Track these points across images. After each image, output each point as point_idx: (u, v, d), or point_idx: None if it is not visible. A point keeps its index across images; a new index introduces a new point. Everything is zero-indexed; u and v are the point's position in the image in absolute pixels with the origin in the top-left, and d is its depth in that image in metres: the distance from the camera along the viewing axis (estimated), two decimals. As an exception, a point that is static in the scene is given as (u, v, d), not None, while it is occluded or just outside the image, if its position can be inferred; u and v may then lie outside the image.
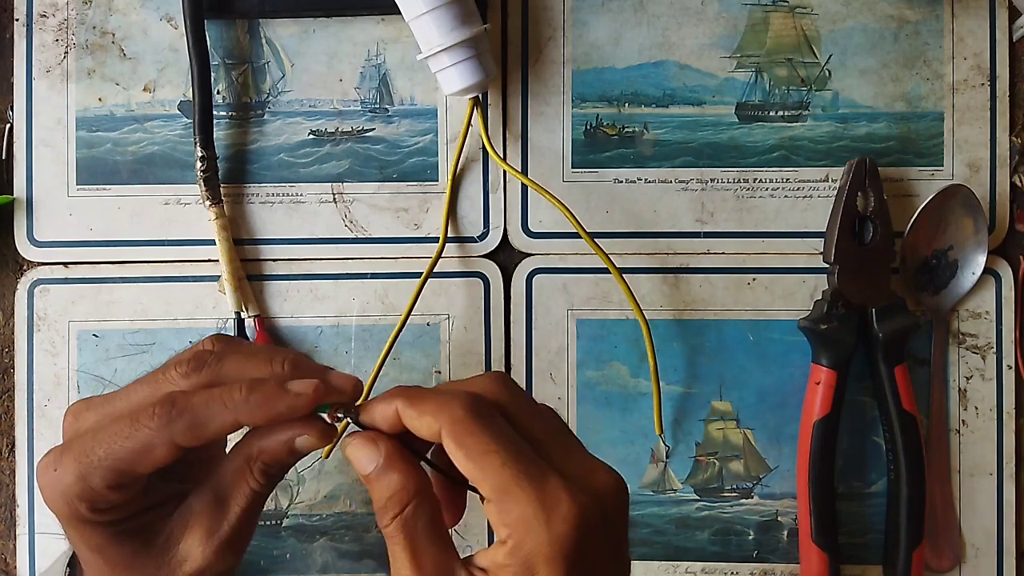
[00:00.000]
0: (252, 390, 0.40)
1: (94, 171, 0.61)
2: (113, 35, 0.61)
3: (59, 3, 0.61)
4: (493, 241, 0.61)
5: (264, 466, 0.42)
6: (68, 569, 0.47)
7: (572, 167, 0.61)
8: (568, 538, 0.37)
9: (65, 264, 0.62)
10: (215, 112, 0.60)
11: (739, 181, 0.61)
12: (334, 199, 0.61)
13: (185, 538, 0.42)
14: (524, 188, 0.61)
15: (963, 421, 0.61)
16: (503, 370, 0.61)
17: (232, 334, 0.60)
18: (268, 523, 0.62)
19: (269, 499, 0.59)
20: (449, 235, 0.61)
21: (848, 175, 0.59)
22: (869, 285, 0.59)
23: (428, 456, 0.42)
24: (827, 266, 0.60)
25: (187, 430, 0.39)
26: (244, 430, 0.42)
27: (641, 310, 0.59)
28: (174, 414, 0.39)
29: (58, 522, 0.41)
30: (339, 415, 0.41)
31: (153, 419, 0.39)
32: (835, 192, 0.60)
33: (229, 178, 0.61)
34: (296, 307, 0.61)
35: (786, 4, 0.61)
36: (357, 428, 0.41)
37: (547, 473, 0.38)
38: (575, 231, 0.58)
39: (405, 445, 0.40)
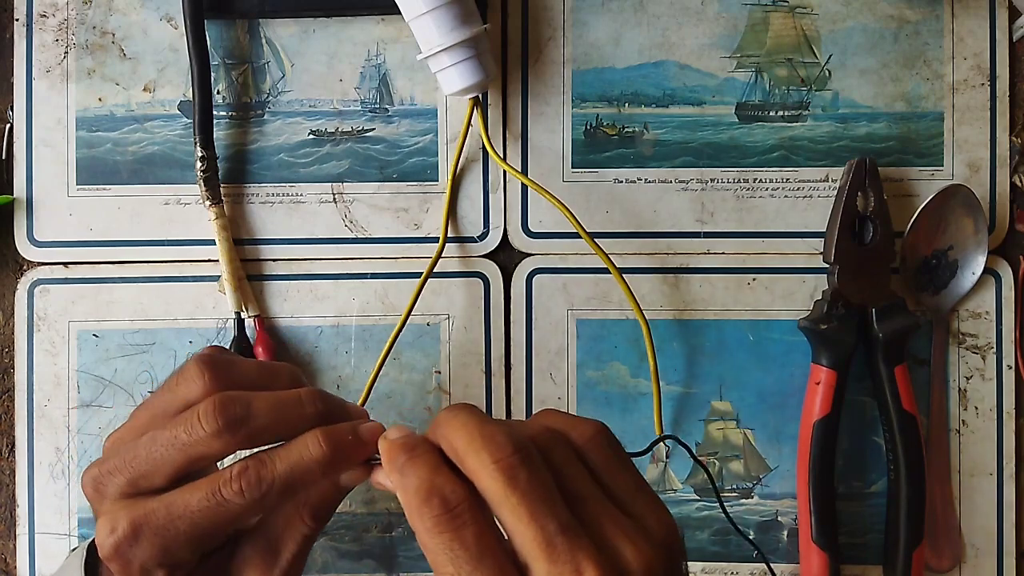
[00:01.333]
0: (332, 447, 0.42)
1: (94, 171, 0.62)
2: (113, 35, 0.62)
3: (59, 3, 0.62)
4: (493, 241, 0.62)
5: (313, 509, 0.44)
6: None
7: (572, 167, 0.62)
8: None
9: (65, 264, 0.62)
10: (215, 112, 0.61)
11: (739, 181, 0.62)
12: (334, 199, 0.62)
13: None
14: (524, 188, 0.62)
15: (963, 421, 0.62)
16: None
17: (233, 334, 0.61)
18: (268, 523, 0.62)
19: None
20: (449, 235, 0.62)
21: (848, 175, 0.59)
22: (869, 285, 0.59)
23: None
24: (827, 266, 0.60)
25: (279, 496, 0.41)
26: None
27: (641, 310, 0.59)
28: (264, 488, 0.41)
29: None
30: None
31: (241, 495, 0.41)
32: (835, 192, 0.61)
33: (229, 178, 0.62)
34: (296, 307, 0.62)
35: (786, 4, 0.62)
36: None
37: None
38: (575, 231, 0.58)
39: None
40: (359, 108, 0.62)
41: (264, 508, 0.42)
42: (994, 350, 0.62)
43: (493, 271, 0.62)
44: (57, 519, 0.62)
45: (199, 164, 0.60)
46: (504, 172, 0.62)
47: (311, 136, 0.62)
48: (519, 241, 0.62)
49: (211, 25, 0.61)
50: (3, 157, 0.62)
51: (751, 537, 0.62)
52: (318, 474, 0.42)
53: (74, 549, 0.49)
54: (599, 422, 0.40)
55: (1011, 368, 0.62)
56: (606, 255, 0.59)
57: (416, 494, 0.37)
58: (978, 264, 0.61)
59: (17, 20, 0.62)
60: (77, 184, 0.62)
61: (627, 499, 0.38)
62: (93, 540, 0.48)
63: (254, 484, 0.41)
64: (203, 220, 0.61)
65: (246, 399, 0.42)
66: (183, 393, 0.43)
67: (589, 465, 0.39)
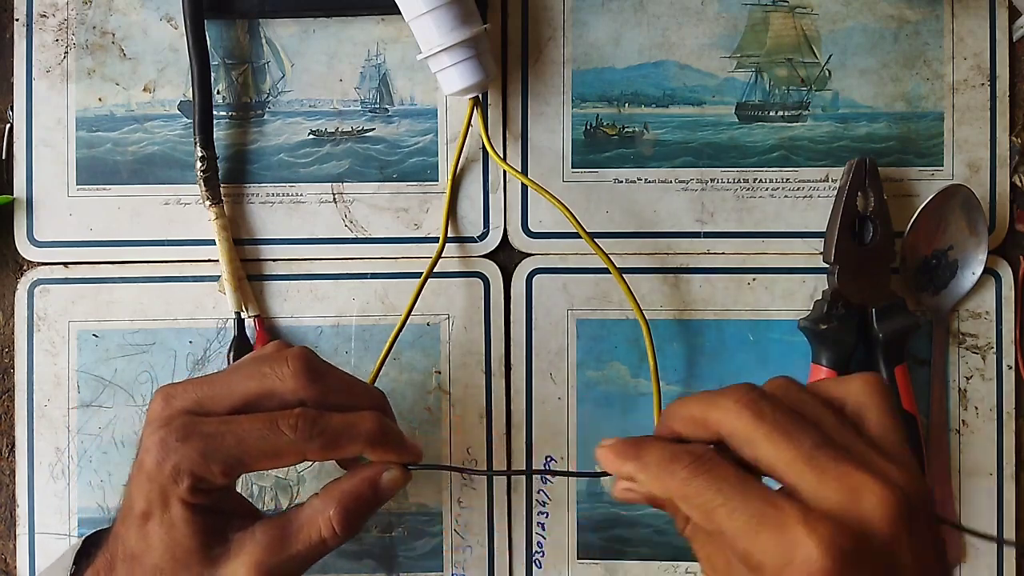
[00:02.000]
0: (381, 427, 0.47)
1: (94, 171, 0.62)
2: (113, 35, 0.62)
3: (59, 3, 0.62)
4: (493, 241, 0.62)
5: (342, 511, 0.45)
6: (73, 567, 0.47)
7: (572, 167, 0.62)
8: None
9: (65, 264, 0.62)
10: (215, 112, 0.61)
11: (739, 181, 0.62)
12: (334, 199, 0.62)
13: (236, 559, 0.44)
14: (524, 188, 0.62)
15: (963, 421, 0.62)
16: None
17: (233, 334, 0.61)
18: (268, 523, 0.62)
19: (269, 499, 0.61)
20: (449, 235, 0.62)
21: (848, 175, 0.60)
22: (869, 285, 0.60)
23: None
24: (827, 266, 0.61)
25: (320, 449, 0.45)
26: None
27: (641, 310, 0.59)
28: (315, 432, 0.44)
29: (147, 487, 0.44)
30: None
31: (295, 430, 0.44)
32: (835, 192, 0.61)
33: (229, 178, 0.62)
34: (296, 307, 0.62)
35: (786, 4, 0.62)
36: None
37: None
38: (575, 231, 0.59)
39: None
40: (359, 108, 0.62)
41: (305, 453, 0.44)
42: (994, 350, 0.62)
43: (493, 271, 0.62)
44: (57, 519, 0.62)
45: (199, 164, 0.60)
46: (504, 172, 0.62)
47: (311, 136, 0.62)
48: (519, 241, 0.62)
49: (211, 25, 0.61)
50: (3, 157, 0.63)
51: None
52: (364, 443, 0.46)
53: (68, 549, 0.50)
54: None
55: (1011, 368, 0.62)
56: (606, 255, 0.59)
57: (661, 459, 0.39)
58: (978, 264, 0.61)
59: (17, 20, 0.62)
60: (77, 184, 0.62)
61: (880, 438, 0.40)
62: (86, 536, 0.49)
63: (307, 426, 0.44)
64: (203, 220, 0.61)
65: (317, 410, 0.46)
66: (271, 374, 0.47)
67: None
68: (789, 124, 0.62)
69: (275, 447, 0.44)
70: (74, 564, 0.48)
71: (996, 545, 0.62)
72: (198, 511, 0.44)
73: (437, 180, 0.62)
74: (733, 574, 0.39)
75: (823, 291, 0.61)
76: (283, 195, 0.62)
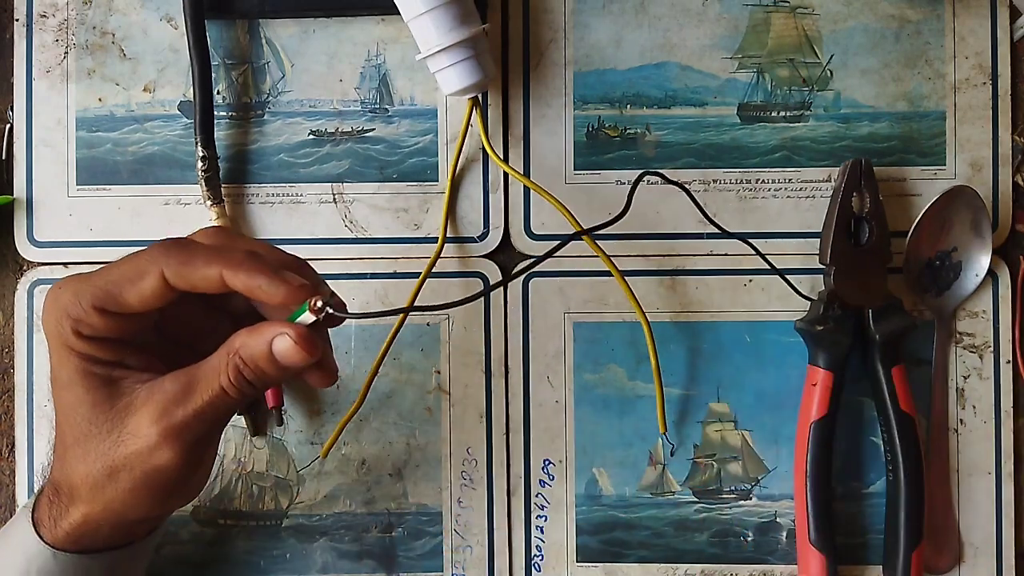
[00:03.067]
0: (248, 258, 0.44)
1: (94, 171, 0.63)
2: (113, 35, 0.63)
3: (59, 3, 0.63)
4: (493, 241, 0.63)
5: (240, 363, 0.44)
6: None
7: (574, 169, 0.63)
8: None
9: (65, 264, 0.63)
10: (215, 112, 0.62)
11: (741, 182, 0.63)
12: (334, 199, 0.63)
13: (141, 410, 0.44)
14: (527, 190, 0.63)
15: (961, 420, 0.63)
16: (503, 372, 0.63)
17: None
18: (268, 523, 0.63)
19: (269, 499, 0.62)
20: (449, 235, 0.63)
21: (843, 176, 0.60)
22: (865, 286, 0.60)
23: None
24: (823, 267, 0.61)
25: (178, 264, 0.43)
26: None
27: (643, 311, 0.60)
28: (174, 249, 0.44)
29: (50, 351, 0.45)
30: (319, 306, 0.43)
31: (152, 250, 0.44)
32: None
33: (229, 178, 0.63)
34: (296, 307, 0.63)
35: (787, 4, 0.63)
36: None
37: None
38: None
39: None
40: (359, 108, 0.63)
41: (164, 283, 0.43)
42: (992, 349, 0.63)
43: (493, 271, 0.63)
44: (59, 518, 0.63)
45: (200, 164, 0.61)
46: (504, 173, 0.63)
47: (311, 136, 0.63)
48: (522, 243, 0.63)
49: (211, 25, 0.62)
50: (3, 157, 0.63)
51: (750, 539, 0.63)
52: (220, 269, 0.43)
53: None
54: None
55: (1009, 363, 0.63)
56: (607, 257, 0.60)
57: None
58: (982, 266, 0.62)
59: (17, 20, 0.63)
60: (77, 184, 0.63)
61: None
62: (37, 492, 0.50)
63: (164, 245, 0.44)
64: (203, 220, 0.62)
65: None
66: None
67: None
68: (791, 124, 0.63)
69: (135, 267, 0.43)
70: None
71: (995, 545, 0.62)
72: (94, 364, 0.44)
73: (437, 180, 0.63)
74: None
75: (819, 292, 0.62)
76: (283, 195, 0.63)
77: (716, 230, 0.62)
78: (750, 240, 0.61)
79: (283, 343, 0.43)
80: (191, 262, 0.43)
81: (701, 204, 0.62)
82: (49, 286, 0.62)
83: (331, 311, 0.44)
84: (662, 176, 0.57)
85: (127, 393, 0.45)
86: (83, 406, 0.44)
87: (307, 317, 0.44)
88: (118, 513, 0.46)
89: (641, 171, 0.59)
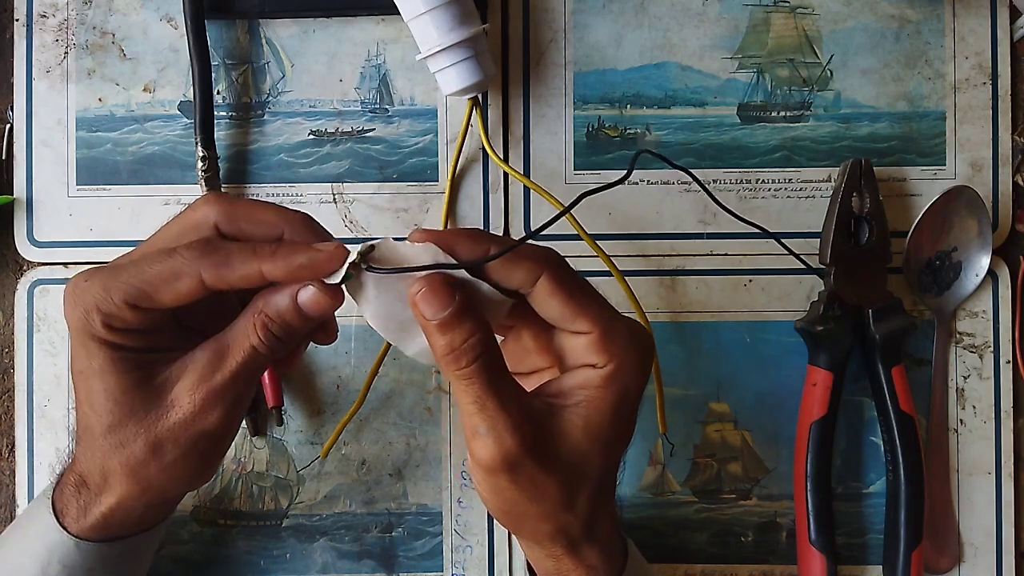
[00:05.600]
0: (280, 245, 0.45)
1: (94, 171, 0.65)
2: (113, 35, 0.65)
3: (59, 3, 0.64)
4: (492, 241, 0.65)
5: (268, 320, 0.46)
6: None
7: (574, 169, 0.64)
8: (649, 365, 0.47)
9: (65, 264, 0.65)
10: (215, 112, 0.63)
11: (741, 182, 0.64)
12: (334, 199, 0.65)
13: (179, 384, 0.46)
14: (527, 190, 0.64)
15: (961, 420, 0.64)
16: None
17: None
18: (268, 523, 0.65)
19: (269, 499, 0.63)
20: (449, 235, 0.64)
21: (843, 176, 0.62)
22: (865, 286, 0.62)
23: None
24: (823, 267, 0.63)
25: (215, 266, 0.44)
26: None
27: (642, 310, 0.61)
28: (209, 250, 0.45)
29: (73, 343, 0.46)
30: (357, 262, 0.44)
31: (188, 250, 0.45)
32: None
33: (229, 178, 0.65)
34: (296, 307, 0.65)
35: (787, 4, 0.64)
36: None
37: (623, 316, 0.47)
38: (577, 233, 0.61)
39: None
40: (359, 108, 0.65)
41: (201, 283, 0.44)
42: (991, 349, 0.64)
43: (493, 272, 0.64)
44: (59, 519, 0.64)
45: (200, 164, 0.62)
46: (505, 173, 0.64)
47: (311, 136, 0.65)
48: (521, 243, 0.65)
49: (211, 25, 0.63)
50: (3, 157, 0.65)
51: (749, 539, 0.65)
52: (259, 266, 0.44)
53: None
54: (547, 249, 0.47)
55: (1009, 363, 0.64)
56: (608, 257, 0.61)
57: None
58: (982, 266, 0.64)
59: (17, 20, 0.65)
60: (77, 184, 0.65)
61: None
62: (55, 483, 0.52)
63: (203, 244, 0.45)
64: (203, 220, 0.63)
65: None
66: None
67: None
68: (791, 124, 0.65)
69: (172, 269, 0.44)
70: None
71: (995, 545, 0.64)
72: (125, 352, 0.46)
73: (437, 180, 0.65)
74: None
75: (819, 292, 0.63)
76: (283, 195, 0.65)
77: (716, 230, 0.63)
78: (752, 240, 0.62)
79: (308, 293, 0.45)
80: (228, 263, 0.45)
81: (701, 204, 0.63)
82: (49, 286, 0.64)
83: (371, 264, 0.45)
84: (662, 158, 0.59)
85: (160, 372, 0.47)
86: (116, 392, 0.46)
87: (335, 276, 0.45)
88: (160, 490, 0.48)
89: (639, 150, 0.62)
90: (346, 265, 0.44)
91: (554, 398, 0.46)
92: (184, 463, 0.47)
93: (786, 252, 0.64)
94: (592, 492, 0.46)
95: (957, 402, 0.65)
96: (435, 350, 0.44)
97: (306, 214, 0.49)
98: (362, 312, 0.46)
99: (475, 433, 0.44)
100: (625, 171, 0.50)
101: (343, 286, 0.45)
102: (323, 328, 0.50)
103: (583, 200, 0.57)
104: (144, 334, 0.46)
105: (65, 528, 0.49)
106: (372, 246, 0.45)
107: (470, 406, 0.44)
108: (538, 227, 0.48)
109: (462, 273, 0.45)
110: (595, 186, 0.50)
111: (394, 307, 0.46)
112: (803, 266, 0.63)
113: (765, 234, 0.63)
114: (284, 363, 0.52)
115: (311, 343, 0.51)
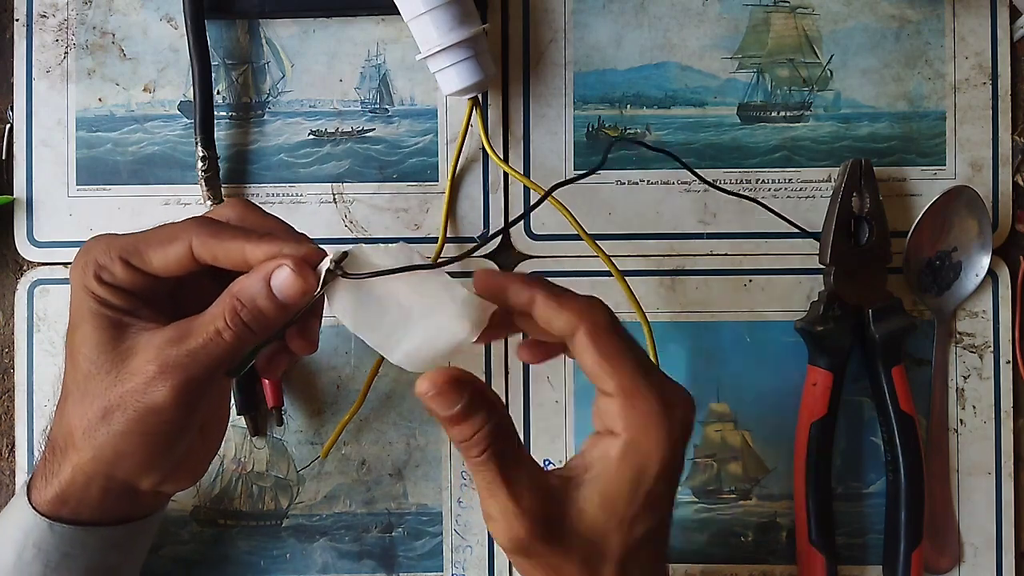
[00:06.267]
0: (270, 234, 0.48)
1: (94, 171, 0.65)
2: (113, 35, 0.65)
3: (59, 3, 0.65)
4: (493, 242, 0.65)
5: (238, 304, 0.47)
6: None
7: (574, 169, 0.65)
8: (681, 440, 0.45)
9: (65, 264, 0.65)
10: (215, 112, 0.64)
11: (741, 182, 0.65)
12: (334, 199, 0.65)
13: (141, 352, 0.47)
14: (527, 190, 0.65)
15: (961, 420, 0.65)
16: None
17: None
18: (268, 523, 0.65)
19: (269, 499, 0.64)
20: (449, 235, 0.64)
21: (843, 176, 0.62)
22: (865, 286, 0.62)
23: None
24: (823, 267, 0.63)
25: (206, 236, 0.47)
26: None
27: (642, 310, 0.62)
28: (204, 222, 0.47)
29: (71, 298, 0.49)
30: (332, 269, 0.46)
31: (186, 221, 0.48)
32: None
33: (229, 178, 0.65)
34: (296, 307, 0.65)
35: (787, 4, 0.65)
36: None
37: (664, 381, 0.46)
38: (577, 233, 0.61)
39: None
40: (359, 108, 0.65)
41: (190, 254, 0.47)
42: (991, 349, 0.65)
43: (493, 272, 0.65)
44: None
45: (200, 164, 0.63)
46: (504, 173, 0.65)
47: (311, 136, 0.65)
48: (522, 243, 0.65)
49: (211, 25, 0.64)
50: (3, 157, 0.65)
51: (749, 539, 0.65)
52: (244, 244, 0.46)
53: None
54: (598, 300, 0.48)
55: (1009, 363, 0.65)
56: (608, 257, 0.61)
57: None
58: (982, 266, 0.64)
59: (17, 20, 0.65)
60: (77, 184, 0.65)
61: None
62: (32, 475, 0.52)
63: (196, 219, 0.48)
64: (203, 221, 0.64)
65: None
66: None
67: None
68: (791, 124, 0.65)
69: (167, 232, 0.47)
70: None
71: (995, 545, 0.64)
72: (107, 308, 0.48)
73: (437, 180, 0.65)
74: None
75: (819, 292, 0.63)
76: (283, 195, 0.65)
77: (716, 230, 0.64)
78: (752, 240, 0.62)
79: (281, 274, 0.46)
80: (219, 236, 0.47)
81: (701, 204, 0.64)
82: (49, 286, 0.65)
83: (345, 270, 0.46)
84: (644, 144, 0.60)
85: (131, 337, 0.48)
86: (87, 345, 0.47)
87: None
88: (109, 464, 0.48)
89: (613, 139, 0.62)
90: (323, 272, 0.46)
91: (574, 471, 0.45)
92: (130, 439, 0.47)
93: (786, 253, 0.64)
94: (617, 568, 0.45)
95: (957, 402, 0.65)
96: (451, 439, 0.46)
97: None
98: (344, 323, 0.47)
99: (489, 517, 0.45)
100: (602, 163, 0.50)
101: (323, 293, 0.46)
102: (302, 335, 0.50)
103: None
104: (131, 296, 0.48)
105: (32, 504, 0.50)
106: (345, 253, 0.46)
107: (483, 491, 0.45)
108: (514, 219, 0.49)
109: (440, 272, 0.46)
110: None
111: (374, 314, 0.46)
112: (805, 264, 0.63)
113: (804, 234, 0.64)
114: (267, 370, 0.53)
115: (293, 353, 0.52)
